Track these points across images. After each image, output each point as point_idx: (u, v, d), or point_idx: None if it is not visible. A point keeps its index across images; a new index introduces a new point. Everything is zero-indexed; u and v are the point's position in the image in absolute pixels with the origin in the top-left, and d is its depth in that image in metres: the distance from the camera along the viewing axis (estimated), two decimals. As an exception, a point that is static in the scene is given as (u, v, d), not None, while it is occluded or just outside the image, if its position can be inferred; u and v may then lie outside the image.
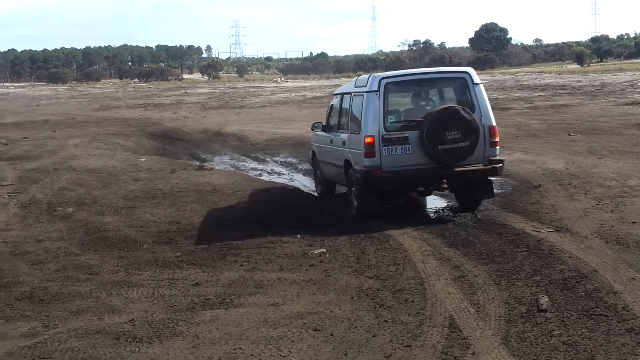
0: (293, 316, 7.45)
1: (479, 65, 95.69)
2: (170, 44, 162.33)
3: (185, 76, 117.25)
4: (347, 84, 13.20)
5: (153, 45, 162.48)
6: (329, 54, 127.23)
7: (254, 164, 21.66)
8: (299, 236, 10.76)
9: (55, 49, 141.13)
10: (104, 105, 45.50)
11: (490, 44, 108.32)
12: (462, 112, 10.62)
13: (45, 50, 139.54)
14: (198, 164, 19.37)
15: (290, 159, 21.83)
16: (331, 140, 12.53)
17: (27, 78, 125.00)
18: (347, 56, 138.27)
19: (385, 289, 8.22)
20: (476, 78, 11.16)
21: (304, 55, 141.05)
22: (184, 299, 8.13)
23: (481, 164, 10.93)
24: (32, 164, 18.63)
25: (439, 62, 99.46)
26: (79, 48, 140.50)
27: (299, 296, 8.11)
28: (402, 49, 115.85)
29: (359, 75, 12.78)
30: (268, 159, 22.35)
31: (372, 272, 8.86)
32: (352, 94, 11.69)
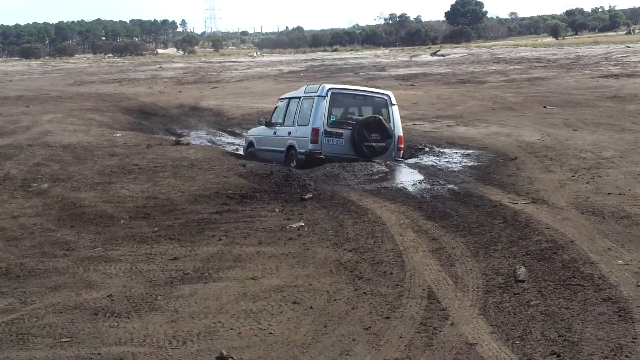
0: (272, 289, 7.46)
1: (454, 38, 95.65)
2: (144, 19, 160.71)
3: (160, 51, 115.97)
4: (294, 92, 16.26)
5: (127, 19, 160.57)
6: (305, 28, 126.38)
7: (230, 139, 21.57)
8: (277, 210, 10.75)
9: (28, 23, 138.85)
10: (78, 81, 44.95)
11: (466, 18, 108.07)
12: (383, 121, 14.02)
13: (17, 25, 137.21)
14: (174, 139, 19.18)
15: (267, 134, 21.72)
16: (274, 132, 15.67)
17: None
18: (323, 30, 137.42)
19: (364, 262, 8.25)
20: (393, 100, 14.62)
21: (280, 30, 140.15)
22: (162, 273, 8.10)
23: (390, 158, 14.10)
24: (6, 140, 18.37)
25: (415, 35, 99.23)
26: (51, 23, 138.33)
27: (277, 270, 8.11)
28: (379, 22, 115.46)
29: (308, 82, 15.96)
30: (245, 134, 22.23)
31: (351, 245, 8.88)
32: (302, 98, 14.88)
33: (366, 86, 31.88)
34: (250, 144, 16.81)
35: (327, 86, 14.49)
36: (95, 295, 7.42)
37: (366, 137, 13.83)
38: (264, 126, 16.24)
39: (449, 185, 11.89)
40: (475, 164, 13.61)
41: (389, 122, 14.12)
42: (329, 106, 13.98)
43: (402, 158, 14.37)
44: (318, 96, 14.11)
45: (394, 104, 14.45)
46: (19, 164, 14.75)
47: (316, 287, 7.52)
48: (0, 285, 7.85)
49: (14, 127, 21.09)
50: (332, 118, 14.08)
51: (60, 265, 8.48)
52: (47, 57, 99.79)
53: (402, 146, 14.36)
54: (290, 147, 14.59)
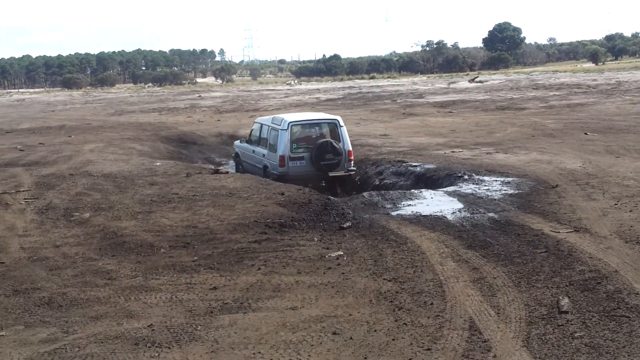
0: (312, 320, 7.43)
1: (492, 65, 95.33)
2: (183, 48, 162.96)
3: (198, 80, 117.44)
4: (265, 118, 19.43)
5: (166, 49, 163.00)
6: (342, 56, 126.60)
7: (269, 167, 21.60)
8: (315, 239, 10.74)
9: (70, 54, 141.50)
10: (119, 110, 45.64)
11: (504, 44, 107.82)
12: (334, 143, 16.99)
13: (59, 56, 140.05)
14: (213, 167, 19.34)
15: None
16: (253, 151, 18.72)
17: (42, 84, 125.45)
18: (360, 58, 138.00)
19: (404, 292, 8.18)
20: (342, 122, 17.48)
21: (317, 58, 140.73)
22: (202, 303, 8.12)
23: (343, 172, 17.23)
24: (49, 169, 18.70)
25: (453, 62, 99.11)
26: (93, 53, 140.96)
27: (317, 300, 8.08)
28: (416, 49, 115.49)
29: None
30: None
31: (390, 275, 8.82)
32: (270, 127, 17.79)
33: (403, 113, 31.81)
34: (237, 155, 20.32)
35: (288, 120, 17.33)
36: (136, 325, 7.46)
37: (322, 157, 16.93)
38: (246, 143, 19.55)
39: (489, 214, 11.77)
40: (516, 191, 13.46)
41: (339, 141, 17.12)
42: (290, 137, 17.02)
43: (353, 169, 17.51)
44: (281, 129, 17.12)
45: (342, 126, 17.39)
46: (61, 194, 14.98)
47: (356, 317, 7.47)
48: (43, 314, 7.94)
49: (57, 156, 21.46)
50: (294, 146, 17.14)
51: (102, 294, 8.56)
52: (88, 87, 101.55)
53: (352, 158, 17.44)
54: (265, 167, 17.82)
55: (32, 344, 7.03)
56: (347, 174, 17.26)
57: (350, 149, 17.45)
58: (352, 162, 17.43)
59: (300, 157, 17.07)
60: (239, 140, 20.91)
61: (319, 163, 16.90)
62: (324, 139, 17.18)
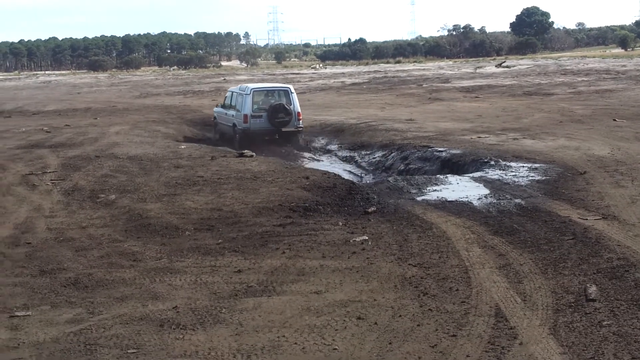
0: (336, 304, 7.40)
1: (520, 49, 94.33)
2: (208, 31, 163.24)
3: (223, 63, 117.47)
4: (235, 87, 24.28)
5: (192, 32, 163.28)
6: (368, 40, 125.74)
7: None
8: (340, 223, 10.70)
9: (96, 37, 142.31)
10: (144, 93, 45.80)
11: (532, 28, 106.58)
12: (285, 105, 21.30)
13: (85, 39, 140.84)
14: (238, 150, 19.35)
15: (330, 146, 21.76)
16: (225, 113, 22.97)
17: (68, 66, 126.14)
18: (385, 42, 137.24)
19: (429, 277, 8.12)
20: (293, 90, 22.34)
21: (342, 42, 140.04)
22: (227, 286, 8.13)
23: (293, 128, 21.52)
24: (75, 151, 18.81)
25: (479, 47, 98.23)
26: (118, 36, 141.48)
27: (341, 284, 8.05)
28: (442, 34, 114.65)
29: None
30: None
31: (415, 260, 8.76)
32: (238, 93, 22.37)
33: (429, 98, 31.64)
34: (215, 118, 24.41)
35: (251, 86, 22.50)
36: (161, 307, 7.48)
37: (276, 115, 21.17)
38: (221, 107, 23.78)
39: (516, 200, 11.66)
40: (543, 178, 13.31)
41: (290, 104, 21.43)
42: (252, 99, 21.47)
43: (301, 127, 21.82)
44: (245, 94, 21.66)
45: (293, 92, 22.00)
46: (87, 175, 15.07)
47: (380, 302, 7.43)
48: (69, 295, 7.99)
49: (83, 138, 21.59)
50: (255, 106, 21.46)
51: (127, 276, 8.59)
52: (114, 70, 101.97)
53: (300, 118, 21.78)
54: (234, 125, 21.91)
55: (58, 324, 7.08)
56: (296, 129, 21.67)
57: (299, 110, 21.85)
58: (301, 121, 21.83)
59: (260, 116, 21.32)
60: (216, 106, 25.21)
61: (274, 120, 21.19)
62: (278, 102, 21.47)
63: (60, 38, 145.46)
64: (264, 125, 21.33)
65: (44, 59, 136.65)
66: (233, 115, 22.11)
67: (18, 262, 9.28)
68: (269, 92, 22.66)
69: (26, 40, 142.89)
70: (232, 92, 23.21)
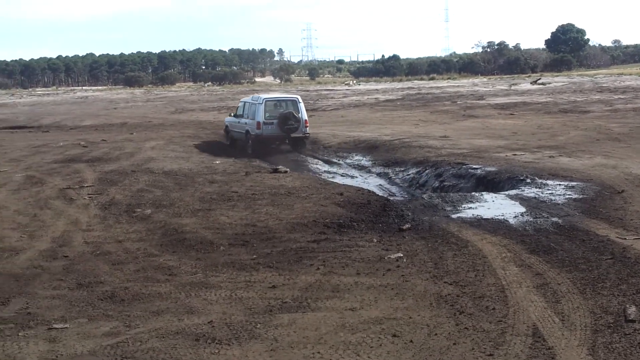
0: (371, 321, 7.37)
1: (555, 67, 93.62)
2: (243, 48, 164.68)
3: (257, 79, 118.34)
4: (247, 97, 26.51)
5: (226, 48, 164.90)
6: (401, 57, 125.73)
7: (327, 167, 21.64)
8: (375, 240, 10.67)
9: (132, 53, 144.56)
10: (179, 108, 46.25)
11: (567, 45, 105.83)
12: (294, 113, 23.47)
13: (122, 54, 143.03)
14: (272, 166, 19.43)
15: (363, 162, 21.74)
16: (238, 121, 25.11)
17: (104, 82, 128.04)
18: (419, 58, 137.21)
19: (465, 296, 8.05)
20: (300, 100, 24.58)
21: (376, 58, 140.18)
22: (262, 301, 8.13)
23: (301, 134, 23.77)
24: (111, 165, 19.04)
25: (514, 63, 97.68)
26: (154, 52, 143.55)
27: (376, 301, 8.01)
28: (476, 50, 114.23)
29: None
30: (341, 162, 22.32)
31: (451, 278, 8.70)
32: (250, 103, 24.70)
33: (463, 115, 31.53)
34: (227, 127, 26.68)
35: (263, 97, 24.56)
36: (197, 321, 7.51)
37: (286, 123, 23.31)
38: (233, 117, 25.97)
39: (553, 219, 11.53)
40: (580, 196, 13.16)
41: (298, 112, 23.63)
42: (264, 108, 23.60)
43: (308, 133, 24.21)
44: (258, 104, 23.84)
45: (300, 102, 24.21)
46: (123, 190, 15.23)
47: (416, 320, 7.38)
48: (106, 308, 8.05)
49: (119, 153, 21.84)
50: (266, 114, 23.58)
51: (163, 290, 8.64)
52: (149, 85, 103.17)
53: (307, 125, 24.09)
54: (247, 131, 24.07)
55: (95, 337, 7.13)
56: (304, 135, 23.99)
57: (306, 118, 24.25)
58: (308, 127, 24.22)
59: (271, 122, 23.48)
60: (227, 116, 27.79)
61: (284, 127, 23.37)
62: (287, 111, 23.62)
63: (97, 54, 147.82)
64: (275, 131, 23.51)
65: (81, 74, 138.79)
66: (246, 122, 24.31)
67: (56, 275, 9.39)
68: (279, 101, 24.74)
69: (64, 56, 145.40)
70: (245, 102, 25.58)
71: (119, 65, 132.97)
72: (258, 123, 23.40)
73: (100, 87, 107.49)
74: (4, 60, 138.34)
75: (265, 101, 23.88)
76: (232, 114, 26.66)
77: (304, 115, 23.87)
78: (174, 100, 56.30)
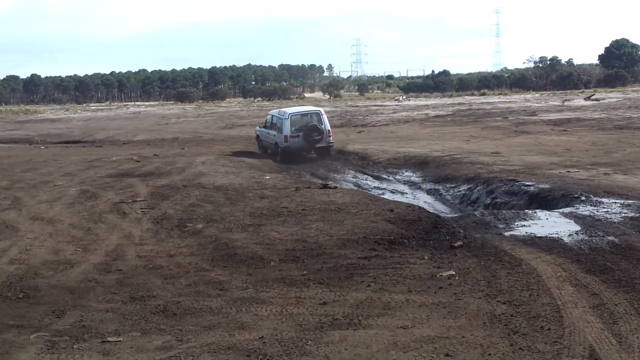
0: (423, 340, 7.29)
1: (609, 82, 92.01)
2: (292, 63, 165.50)
3: (307, 95, 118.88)
4: (274, 111, 28.63)
5: (276, 64, 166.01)
6: (451, 72, 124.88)
7: (376, 183, 21.58)
8: (426, 257, 10.57)
9: (183, 69, 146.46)
10: (229, 124, 46.69)
11: (621, 61, 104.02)
12: (318, 125, 25.78)
13: (173, 70, 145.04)
14: (321, 182, 19.44)
15: (413, 178, 21.61)
16: (268, 133, 27.55)
17: (156, 97, 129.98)
18: (470, 74, 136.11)
19: (519, 315, 7.92)
20: (323, 112, 27.06)
21: (426, 74, 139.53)
22: (312, 318, 8.11)
23: (325, 144, 25.98)
24: (163, 180, 19.26)
25: (567, 79, 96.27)
26: (205, 68, 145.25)
27: (428, 319, 7.93)
28: (528, 65, 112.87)
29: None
30: (391, 178, 22.23)
31: (505, 297, 8.56)
32: (277, 117, 26.92)
33: (515, 131, 31.18)
34: (258, 136, 29.14)
35: (288, 111, 26.91)
36: (248, 337, 7.52)
37: (311, 134, 25.63)
38: (263, 127, 28.43)
39: (609, 237, 11.28)
40: (637, 215, 12.86)
41: (322, 124, 25.98)
42: (290, 122, 25.72)
43: (332, 142, 26.55)
44: (284, 118, 26.05)
45: (323, 114, 26.60)
46: (175, 204, 15.38)
47: (469, 339, 7.27)
48: (159, 322, 8.12)
49: (170, 168, 22.10)
50: (292, 128, 25.72)
51: (214, 305, 8.69)
52: (200, 101, 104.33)
53: (330, 135, 26.34)
54: (276, 143, 26.51)
55: (148, 351, 7.19)
56: (328, 145, 26.28)
57: (330, 129, 26.45)
58: (331, 137, 26.49)
59: (297, 135, 25.68)
60: (258, 127, 30.54)
61: (309, 138, 25.66)
62: (312, 123, 25.93)
63: (149, 70, 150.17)
64: (301, 143, 25.85)
65: (133, 90, 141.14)
66: (274, 135, 26.79)
67: (109, 289, 9.52)
68: (303, 115, 26.91)
69: (117, 72, 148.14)
70: (272, 115, 27.85)
71: (170, 81, 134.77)
72: (285, 137, 25.65)
73: (152, 103, 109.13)
74: (59, 76, 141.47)
75: (291, 116, 26.12)
76: (262, 125, 29.22)
77: (327, 126, 26.17)
78: (224, 116, 56.85)
